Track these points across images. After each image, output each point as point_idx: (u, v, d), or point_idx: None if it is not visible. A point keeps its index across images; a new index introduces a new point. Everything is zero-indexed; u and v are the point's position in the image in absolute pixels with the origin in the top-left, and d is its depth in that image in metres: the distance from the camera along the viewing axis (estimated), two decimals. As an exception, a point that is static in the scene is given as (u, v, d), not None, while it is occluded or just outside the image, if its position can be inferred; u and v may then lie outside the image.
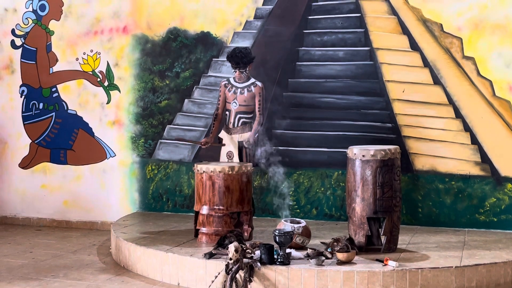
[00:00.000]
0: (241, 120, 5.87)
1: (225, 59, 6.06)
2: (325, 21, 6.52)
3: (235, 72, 5.82)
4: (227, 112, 5.92)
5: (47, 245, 6.45)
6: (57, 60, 7.33)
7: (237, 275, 4.68)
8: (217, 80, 6.61)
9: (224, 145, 5.90)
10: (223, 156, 5.93)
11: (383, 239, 5.13)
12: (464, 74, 6.13)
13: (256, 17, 6.71)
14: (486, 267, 4.80)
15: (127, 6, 7.07)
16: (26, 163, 7.48)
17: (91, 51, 7.20)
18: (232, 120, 5.88)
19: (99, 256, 6.00)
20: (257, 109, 5.84)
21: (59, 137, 7.34)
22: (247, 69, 5.82)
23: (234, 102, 5.86)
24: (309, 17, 6.57)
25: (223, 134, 5.96)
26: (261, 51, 6.54)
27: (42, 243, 6.52)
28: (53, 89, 7.36)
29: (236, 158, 5.86)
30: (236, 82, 5.88)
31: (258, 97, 5.83)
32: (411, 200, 6.27)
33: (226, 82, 5.94)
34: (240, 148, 5.85)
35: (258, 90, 5.83)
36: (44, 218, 7.42)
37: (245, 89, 5.85)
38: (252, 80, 5.88)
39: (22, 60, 7.44)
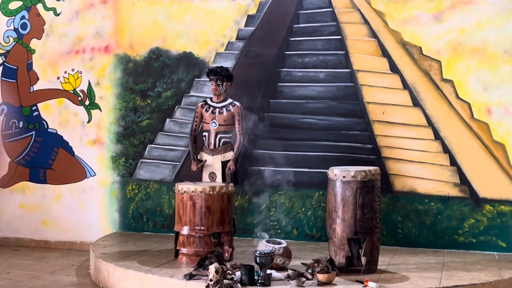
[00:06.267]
0: (222, 140, 5.88)
1: (207, 79, 6.07)
2: (307, 43, 6.59)
3: (212, 85, 5.83)
4: (205, 133, 5.92)
5: (25, 265, 6.36)
6: (38, 79, 7.30)
7: (218, 297, 4.66)
8: (199, 100, 6.63)
9: (205, 161, 5.88)
10: (205, 177, 5.92)
11: (363, 260, 5.14)
12: (443, 97, 6.21)
13: (238, 38, 6.76)
14: (465, 288, 4.84)
15: (110, 26, 7.08)
16: (4, 182, 7.40)
17: (73, 70, 7.18)
18: (212, 141, 5.88)
19: (77, 277, 5.93)
20: (237, 130, 5.86)
21: (39, 156, 7.29)
22: (224, 84, 5.85)
23: (213, 122, 5.87)
24: (291, 38, 6.63)
25: (203, 156, 5.94)
26: (243, 72, 6.58)
27: (20, 264, 6.43)
28: (34, 108, 7.31)
29: (219, 179, 5.85)
30: (214, 102, 5.90)
31: (237, 117, 5.86)
32: (391, 221, 6.30)
33: (203, 102, 5.96)
34: (224, 171, 5.85)
35: (237, 109, 5.86)
36: (23, 238, 7.33)
37: (224, 109, 5.87)
38: (230, 100, 5.91)
39: (2, 78, 7.39)
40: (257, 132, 6.61)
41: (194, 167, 5.92)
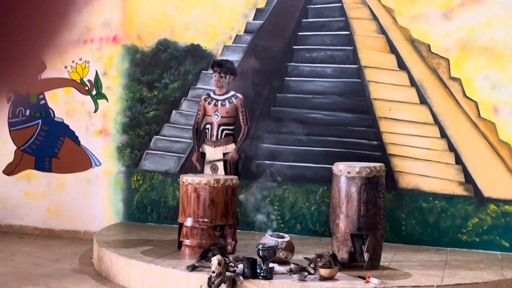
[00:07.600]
0: (225, 132, 5.89)
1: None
2: (315, 38, 6.57)
3: (215, 76, 5.84)
4: (208, 126, 5.93)
5: (29, 253, 6.39)
6: (45, 67, 7.30)
7: (219, 289, 4.67)
8: (206, 93, 6.63)
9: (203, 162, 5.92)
10: (207, 169, 5.94)
11: (366, 256, 5.14)
12: (450, 95, 6.19)
13: (246, 31, 6.75)
14: (467, 287, 4.82)
15: (118, 16, 7.08)
16: (10, 170, 7.43)
17: (80, 59, 7.19)
18: (215, 133, 5.89)
19: (80, 265, 5.96)
20: (241, 121, 5.88)
21: (45, 144, 7.30)
22: (227, 77, 5.85)
23: (216, 114, 5.88)
24: (299, 33, 6.62)
25: (205, 148, 5.96)
26: (250, 65, 6.57)
27: (24, 251, 6.46)
28: (41, 96, 7.33)
29: (221, 171, 5.86)
30: (216, 95, 5.92)
31: (241, 109, 5.87)
32: (395, 218, 6.29)
33: (206, 96, 5.98)
34: (225, 160, 5.87)
35: (240, 101, 5.87)
36: (27, 225, 7.35)
37: (226, 101, 5.88)
38: (232, 92, 5.92)
39: (10, 66, 7.40)
40: (262, 126, 6.60)
41: (194, 159, 5.95)
